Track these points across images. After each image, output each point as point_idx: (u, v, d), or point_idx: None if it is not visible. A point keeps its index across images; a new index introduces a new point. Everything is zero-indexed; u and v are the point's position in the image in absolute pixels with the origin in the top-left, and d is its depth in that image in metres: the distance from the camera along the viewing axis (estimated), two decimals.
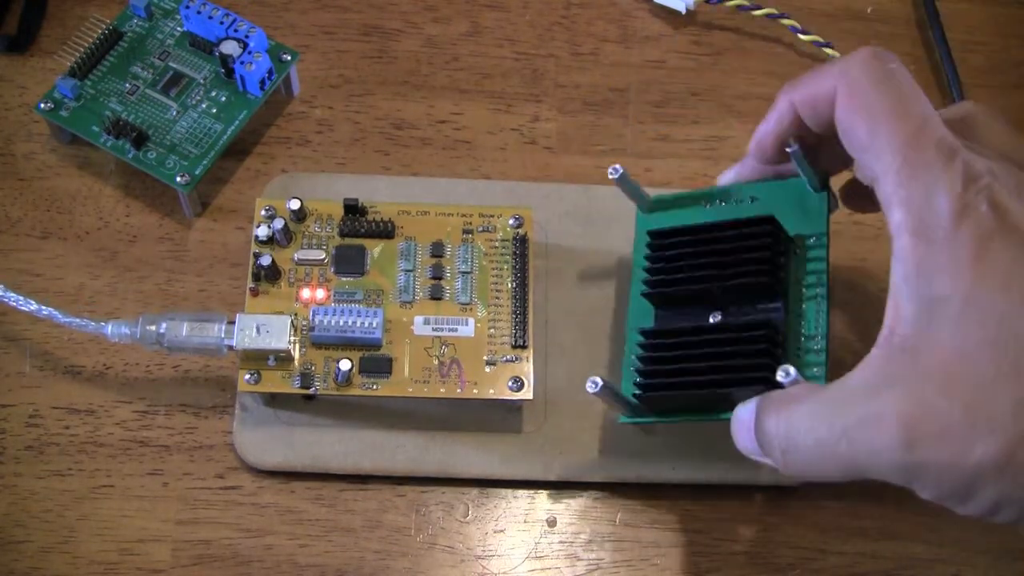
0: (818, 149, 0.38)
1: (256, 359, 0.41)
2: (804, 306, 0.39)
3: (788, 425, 0.33)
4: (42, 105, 0.46)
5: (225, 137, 0.46)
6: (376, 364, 0.41)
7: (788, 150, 0.38)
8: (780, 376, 0.34)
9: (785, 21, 0.52)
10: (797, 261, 0.39)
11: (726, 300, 0.39)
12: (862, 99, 0.33)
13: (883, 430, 0.31)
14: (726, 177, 0.42)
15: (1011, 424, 0.29)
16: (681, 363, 0.38)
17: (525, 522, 0.42)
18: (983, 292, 0.30)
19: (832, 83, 0.34)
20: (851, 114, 0.34)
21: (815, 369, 0.38)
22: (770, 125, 0.38)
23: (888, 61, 0.34)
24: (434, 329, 0.42)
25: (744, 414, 0.35)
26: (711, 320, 0.39)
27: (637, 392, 0.39)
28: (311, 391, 0.41)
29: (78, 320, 0.41)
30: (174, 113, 0.46)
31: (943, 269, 0.31)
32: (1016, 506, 0.30)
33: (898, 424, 0.30)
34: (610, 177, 0.41)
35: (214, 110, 0.46)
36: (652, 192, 0.43)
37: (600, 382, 0.37)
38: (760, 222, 0.39)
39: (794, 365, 0.35)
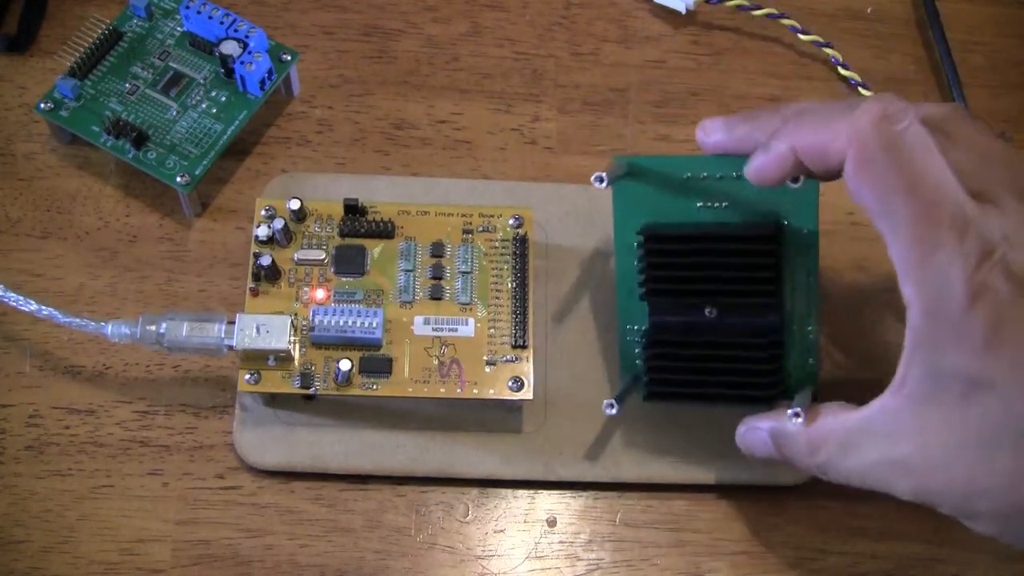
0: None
1: (256, 359, 0.41)
2: (795, 305, 0.39)
3: (817, 459, 0.36)
4: (42, 105, 0.46)
5: (225, 137, 0.46)
6: (376, 364, 0.41)
7: (792, 186, 0.36)
8: (791, 415, 0.36)
9: (785, 21, 0.52)
10: (788, 256, 0.39)
11: (724, 303, 0.39)
12: (872, 170, 0.32)
13: (897, 478, 0.34)
14: (708, 138, 0.39)
15: (1007, 494, 0.32)
16: (690, 375, 0.39)
17: (525, 522, 0.42)
18: (992, 373, 0.32)
19: (842, 145, 0.33)
20: (861, 183, 0.33)
21: (810, 361, 0.39)
22: (771, 164, 0.35)
23: (899, 120, 0.33)
24: (434, 329, 0.42)
25: (759, 436, 0.38)
26: (707, 313, 0.39)
27: (646, 392, 0.41)
28: (311, 391, 0.41)
29: (78, 320, 0.41)
30: (174, 113, 0.46)
31: (954, 350, 0.32)
32: (1014, 539, 0.34)
33: (909, 477, 0.34)
34: (595, 186, 0.39)
35: (214, 110, 0.46)
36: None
37: (616, 405, 0.39)
38: (765, 239, 0.38)
39: (790, 371, 0.39)
